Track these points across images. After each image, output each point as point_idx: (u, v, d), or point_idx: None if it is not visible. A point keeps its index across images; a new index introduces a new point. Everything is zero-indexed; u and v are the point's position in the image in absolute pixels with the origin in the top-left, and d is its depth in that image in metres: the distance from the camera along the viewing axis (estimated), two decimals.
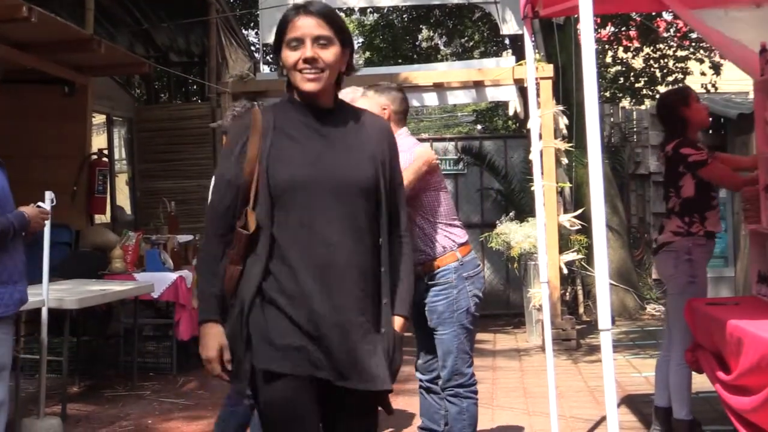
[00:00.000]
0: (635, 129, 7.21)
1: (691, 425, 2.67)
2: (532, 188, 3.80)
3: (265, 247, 1.38)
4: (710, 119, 2.92)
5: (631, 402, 3.34)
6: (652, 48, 8.64)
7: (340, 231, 1.38)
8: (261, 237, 1.39)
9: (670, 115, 2.78)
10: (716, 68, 8.20)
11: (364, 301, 1.39)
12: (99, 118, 6.03)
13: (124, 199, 6.31)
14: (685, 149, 2.67)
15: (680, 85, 8.38)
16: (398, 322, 1.45)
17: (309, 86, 1.40)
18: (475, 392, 2.27)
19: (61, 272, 3.94)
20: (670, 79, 8.59)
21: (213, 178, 1.56)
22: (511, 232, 5.04)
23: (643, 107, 8.22)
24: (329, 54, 1.40)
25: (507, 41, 7.96)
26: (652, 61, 8.74)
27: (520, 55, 5.27)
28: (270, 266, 1.38)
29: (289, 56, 1.41)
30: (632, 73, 8.91)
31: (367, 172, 1.42)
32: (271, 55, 9.39)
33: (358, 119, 1.48)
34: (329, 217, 1.38)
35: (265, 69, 6.99)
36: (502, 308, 6.11)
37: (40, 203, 2.39)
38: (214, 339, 1.40)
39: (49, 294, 3.07)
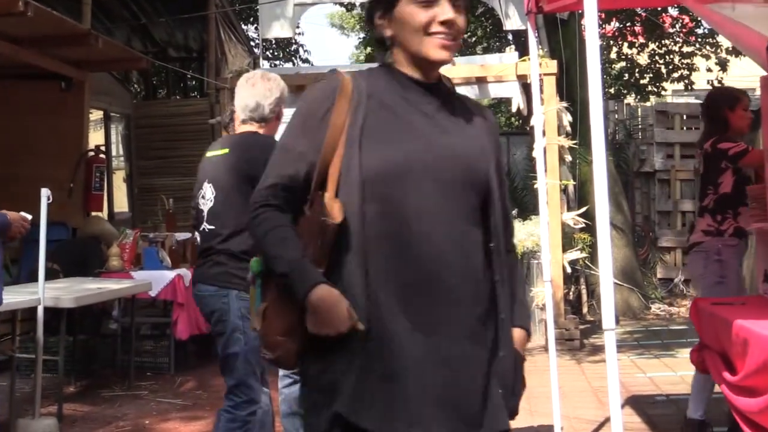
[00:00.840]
0: (640, 126, 7.13)
1: (702, 426, 2.66)
2: (536, 186, 3.74)
3: (356, 252, 1.08)
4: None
5: (636, 403, 3.31)
6: (657, 44, 8.56)
7: (454, 235, 1.11)
8: (346, 238, 1.09)
9: (713, 113, 2.79)
10: (722, 65, 8.10)
11: (478, 323, 1.12)
12: (96, 114, 6.01)
13: (121, 196, 6.28)
14: (724, 144, 2.68)
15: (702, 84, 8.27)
16: (519, 335, 1.20)
17: (442, 54, 1.13)
18: None
19: (55, 259, 3.90)
20: (675, 75, 8.51)
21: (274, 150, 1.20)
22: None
23: (648, 104, 8.15)
24: (463, 20, 1.15)
25: (510, 37, 7.88)
26: (657, 57, 8.66)
27: (523, 51, 5.20)
28: (360, 282, 1.08)
29: (418, 14, 1.12)
30: (637, 69, 8.83)
31: (482, 165, 1.16)
32: (271, 50, 9.45)
33: (462, 103, 1.23)
34: (442, 217, 1.10)
35: (265, 64, 6.96)
36: None
37: (22, 213, 2.34)
38: (340, 304, 1.06)
39: (45, 292, 3.02)
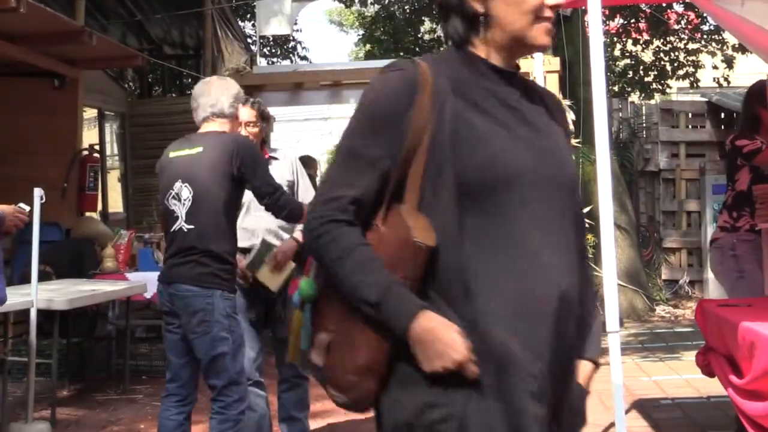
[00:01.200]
0: (644, 124, 7.06)
1: None
2: None
3: (456, 272, 0.93)
4: None
5: (640, 407, 3.25)
6: (662, 40, 8.46)
7: (562, 249, 0.98)
8: (439, 258, 0.93)
9: (746, 108, 2.78)
10: (729, 62, 8.01)
11: (573, 349, 1.00)
12: (90, 113, 5.98)
13: (116, 196, 6.24)
14: (740, 140, 2.68)
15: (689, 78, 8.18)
16: (586, 369, 1.04)
17: (548, 41, 1.02)
18: None
19: (48, 260, 3.86)
20: (680, 72, 8.42)
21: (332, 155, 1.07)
22: None
23: (652, 102, 8.06)
24: None
25: None
26: (662, 54, 8.56)
27: None
28: (462, 310, 0.92)
29: None
30: (642, 67, 8.74)
31: (573, 166, 1.05)
32: (268, 47, 9.38)
33: (538, 93, 1.08)
34: (550, 229, 0.97)
35: (262, 62, 6.89)
36: None
37: (21, 204, 2.28)
38: (450, 330, 0.91)
39: (38, 294, 2.99)
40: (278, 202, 2.18)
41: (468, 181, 0.94)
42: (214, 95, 2.21)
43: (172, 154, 2.23)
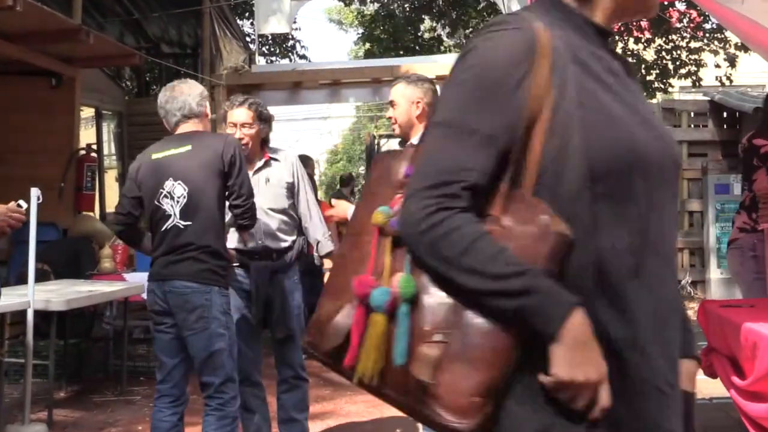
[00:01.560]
0: None
1: None
2: None
3: (587, 271, 0.78)
4: None
5: None
6: (664, 39, 8.42)
7: (673, 241, 0.88)
8: (573, 256, 0.79)
9: (766, 107, 2.76)
10: (731, 60, 7.97)
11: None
12: (87, 112, 5.94)
13: (113, 196, 6.21)
14: (758, 140, 2.66)
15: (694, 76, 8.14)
16: (690, 368, 0.91)
17: (656, 12, 0.92)
18: None
19: (45, 260, 3.83)
20: (682, 71, 8.38)
21: (428, 133, 0.85)
22: None
23: (654, 101, 8.02)
24: None
25: None
26: (664, 53, 8.52)
27: None
28: (597, 306, 0.79)
29: None
30: (643, 66, 8.70)
31: (676, 143, 0.94)
32: (267, 46, 9.35)
33: (617, 54, 0.94)
34: (668, 219, 0.86)
35: (261, 61, 6.83)
36: None
37: (20, 201, 2.23)
38: (594, 341, 0.77)
39: (35, 295, 2.96)
40: (252, 208, 2.23)
41: (598, 163, 0.79)
42: (180, 99, 2.23)
43: (155, 156, 2.24)
